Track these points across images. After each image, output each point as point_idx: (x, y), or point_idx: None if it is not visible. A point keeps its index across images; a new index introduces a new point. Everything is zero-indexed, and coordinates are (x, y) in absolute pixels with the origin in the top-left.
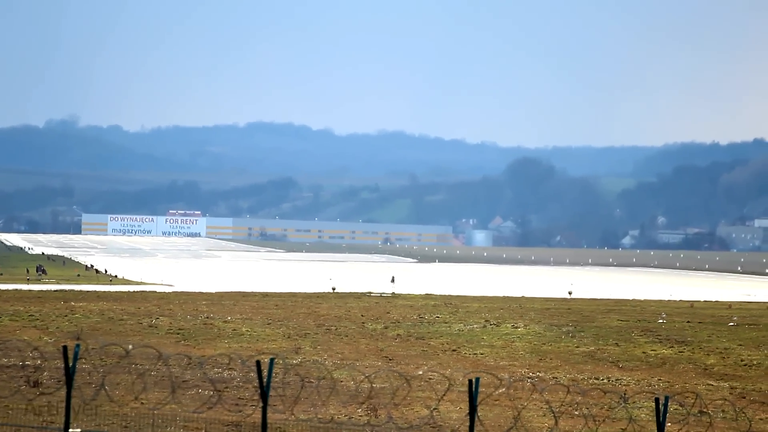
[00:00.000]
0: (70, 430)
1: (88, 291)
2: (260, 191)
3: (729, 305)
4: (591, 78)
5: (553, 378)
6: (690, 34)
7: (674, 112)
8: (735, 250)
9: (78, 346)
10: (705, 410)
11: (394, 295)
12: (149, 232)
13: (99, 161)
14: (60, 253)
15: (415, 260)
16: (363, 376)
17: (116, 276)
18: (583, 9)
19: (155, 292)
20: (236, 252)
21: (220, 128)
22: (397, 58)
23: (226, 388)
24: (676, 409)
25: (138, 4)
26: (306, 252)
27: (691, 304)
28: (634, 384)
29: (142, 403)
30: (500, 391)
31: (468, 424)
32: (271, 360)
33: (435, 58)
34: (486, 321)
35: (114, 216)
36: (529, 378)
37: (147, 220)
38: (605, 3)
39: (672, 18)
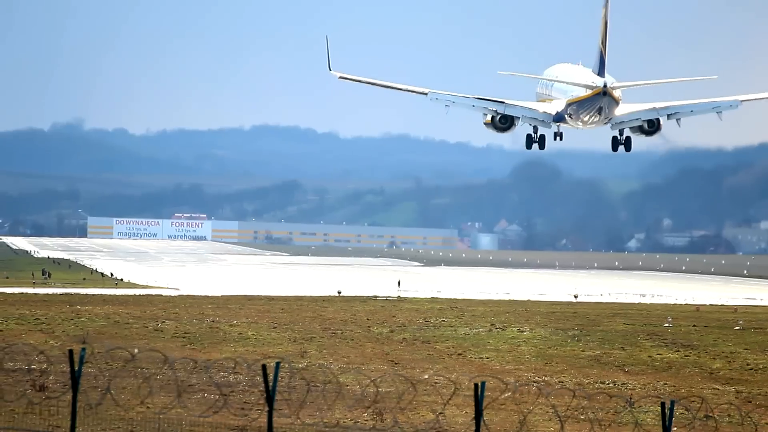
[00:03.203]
0: None
1: (93, 294)
2: (265, 194)
3: (735, 309)
4: None
5: (559, 382)
6: (693, 35)
7: None
8: (741, 253)
9: (84, 350)
10: (711, 414)
11: (399, 299)
12: (155, 235)
13: (104, 164)
14: (66, 257)
15: (420, 264)
16: (369, 381)
17: (122, 279)
18: (583, 12)
19: (161, 295)
20: (242, 255)
21: (226, 131)
22: (402, 60)
23: (232, 392)
24: (682, 413)
25: (144, 7)
26: (311, 255)
27: (697, 308)
28: (640, 388)
29: (147, 407)
30: (506, 395)
31: (474, 428)
32: (277, 364)
33: (438, 60)
34: (492, 325)
35: (119, 219)
36: (534, 382)
37: (152, 223)
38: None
39: (675, 19)
